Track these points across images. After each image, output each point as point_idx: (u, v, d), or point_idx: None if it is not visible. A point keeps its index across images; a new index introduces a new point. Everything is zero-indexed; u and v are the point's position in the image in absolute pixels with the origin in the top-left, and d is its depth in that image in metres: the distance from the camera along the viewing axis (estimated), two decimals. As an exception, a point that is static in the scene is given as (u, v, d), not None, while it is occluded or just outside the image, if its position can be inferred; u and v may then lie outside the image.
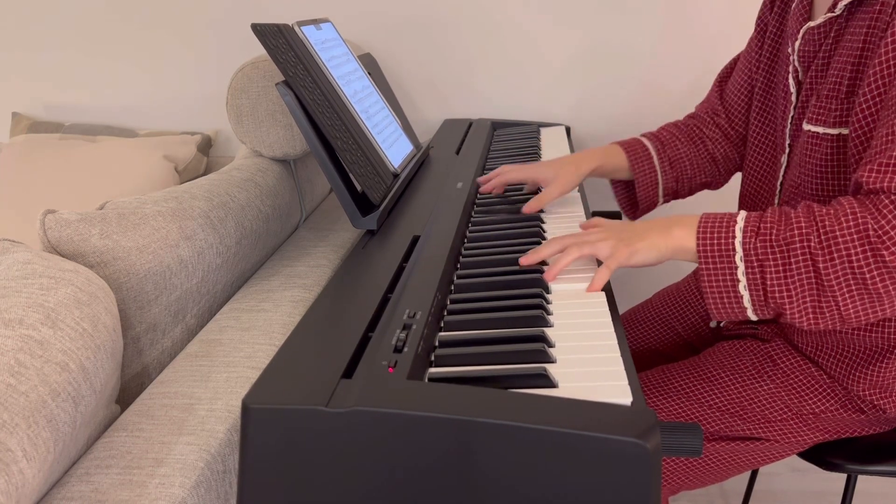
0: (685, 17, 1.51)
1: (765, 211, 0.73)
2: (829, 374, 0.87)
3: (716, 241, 0.71)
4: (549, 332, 0.66)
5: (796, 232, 0.68)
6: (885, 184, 0.67)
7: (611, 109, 1.60)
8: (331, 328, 0.66)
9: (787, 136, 0.90)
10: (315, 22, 1.05)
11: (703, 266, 0.72)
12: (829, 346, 0.86)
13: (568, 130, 1.54)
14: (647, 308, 1.17)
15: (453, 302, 0.75)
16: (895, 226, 0.65)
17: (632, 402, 0.54)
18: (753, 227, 0.70)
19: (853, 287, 0.66)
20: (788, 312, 0.69)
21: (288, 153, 1.10)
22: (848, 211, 0.68)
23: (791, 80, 0.88)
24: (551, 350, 0.63)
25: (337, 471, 0.53)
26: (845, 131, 0.78)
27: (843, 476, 1.51)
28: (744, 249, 0.70)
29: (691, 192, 1.11)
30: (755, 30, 1.01)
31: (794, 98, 0.88)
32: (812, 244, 0.67)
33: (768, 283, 0.69)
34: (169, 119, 1.77)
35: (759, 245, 0.69)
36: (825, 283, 0.67)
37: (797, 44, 0.86)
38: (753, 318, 0.72)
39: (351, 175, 0.95)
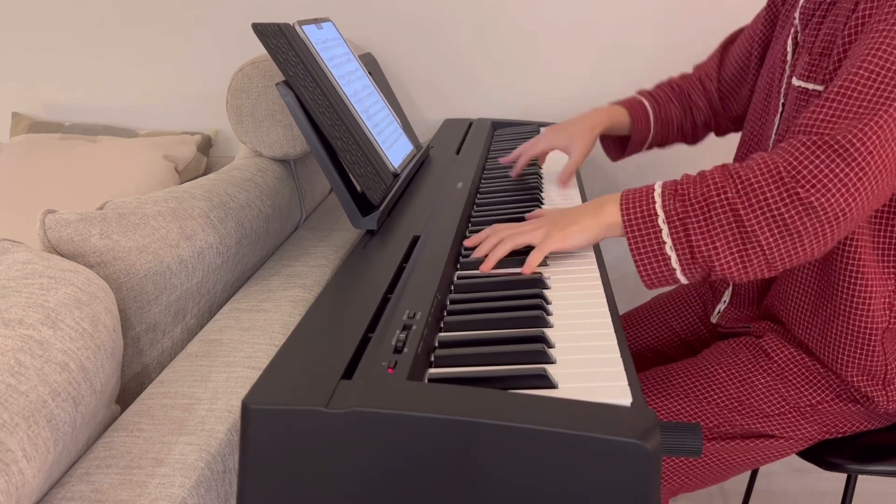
0: (688, 16, 1.51)
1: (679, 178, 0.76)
2: (821, 360, 0.87)
3: (638, 210, 0.74)
4: (548, 332, 0.66)
5: (712, 187, 0.72)
6: (812, 121, 0.71)
7: (611, 109, 1.60)
8: (331, 328, 0.66)
9: (782, 95, 0.92)
10: (316, 21, 1.05)
11: (630, 234, 0.74)
12: (817, 328, 0.87)
13: (568, 130, 1.54)
14: (646, 309, 1.17)
15: (453, 302, 0.75)
16: (806, 165, 0.68)
17: (632, 403, 0.54)
18: (671, 191, 0.74)
19: (774, 229, 0.69)
20: (717, 264, 0.71)
21: (288, 153, 1.10)
22: (759, 160, 0.71)
23: (790, 41, 0.91)
24: (551, 350, 0.63)
25: (336, 471, 0.53)
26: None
27: (843, 476, 1.51)
28: (665, 212, 0.73)
29: (670, 144, 1.22)
30: (765, 8, 1.04)
31: (789, 57, 0.91)
32: (730, 195, 0.70)
33: (693, 239, 0.71)
34: (169, 119, 1.77)
35: (678, 205, 0.72)
36: (748, 229, 0.69)
37: (801, 1, 0.89)
38: (683, 279, 0.74)
39: (351, 175, 0.95)
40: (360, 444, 0.52)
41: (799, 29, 0.90)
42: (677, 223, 0.72)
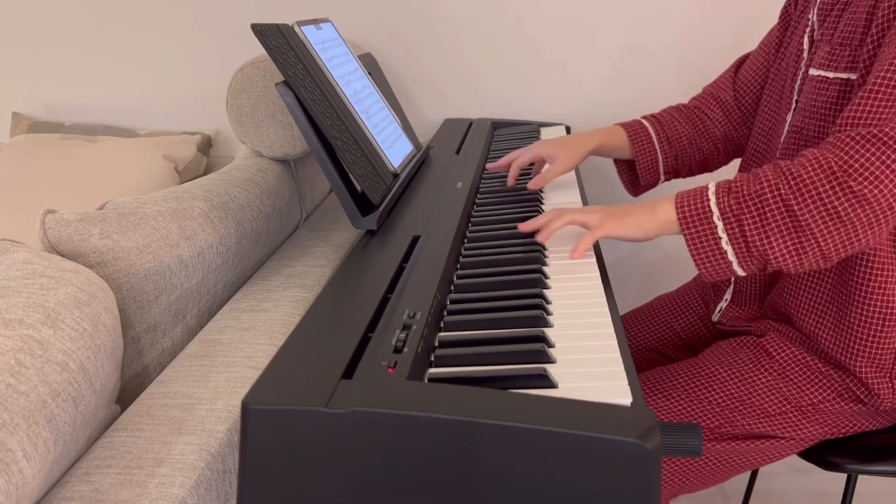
0: (689, 18, 1.51)
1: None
2: (828, 353, 0.87)
3: (693, 208, 0.76)
4: (548, 332, 0.66)
5: (765, 184, 0.73)
6: (858, 114, 0.72)
7: (611, 109, 1.60)
8: (331, 328, 0.66)
9: (796, 91, 0.92)
10: (315, 22, 1.05)
11: (686, 232, 0.76)
12: (830, 317, 0.87)
13: (568, 130, 1.54)
14: (647, 309, 1.17)
15: (453, 302, 0.75)
16: (857, 158, 0.69)
17: (632, 403, 0.54)
18: (724, 188, 0.76)
19: (828, 222, 0.71)
20: (772, 258, 0.73)
21: (288, 153, 1.10)
22: (810, 156, 0.73)
23: (805, 39, 0.92)
24: (551, 350, 0.63)
25: (336, 471, 0.53)
26: (853, 76, 0.81)
27: (843, 476, 1.51)
28: (719, 209, 0.75)
29: (691, 172, 1.16)
30: (779, 20, 1.04)
31: (805, 54, 0.91)
32: (783, 191, 0.72)
33: (748, 234, 0.73)
34: (169, 119, 1.77)
35: (732, 202, 0.74)
36: (802, 223, 0.71)
37: (818, 0, 0.90)
38: (740, 272, 0.76)
39: (351, 175, 0.95)
40: (359, 444, 0.52)
41: (816, 26, 0.90)
42: (732, 220, 0.74)
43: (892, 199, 0.69)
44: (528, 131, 1.49)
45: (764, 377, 0.89)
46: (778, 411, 0.88)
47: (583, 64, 1.57)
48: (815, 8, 0.90)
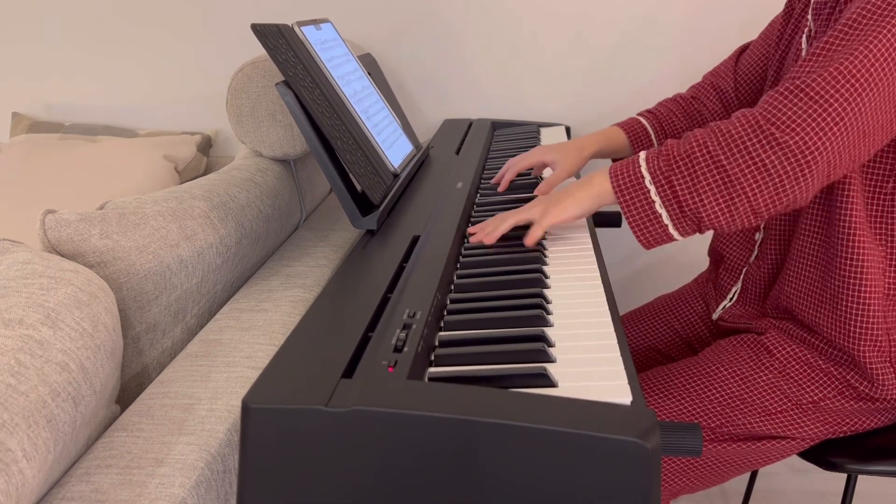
0: (689, 18, 1.51)
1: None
2: (832, 342, 0.87)
3: (626, 176, 0.78)
4: (548, 331, 0.66)
5: (694, 143, 0.75)
6: (792, 75, 0.74)
7: (611, 109, 1.61)
8: (331, 328, 0.66)
9: None
10: (315, 22, 1.05)
11: (620, 199, 0.78)
12: (826, 305, 0.87)
13: (568, 130, 1.54)
14: (648, 309, 1.17)
15: (453, 302, 0.75)
16: (781, 109, 0.71)
17: (631, 402, 0.54)
18: (655, 153, 0.78)
19: (756, 174, 0.72)
20: (705, 216, 0.74)
21: (288, 153, 1.10)
22: (738, 114, 0.75)
23: (804, 39, 0.93)
24: (551, 350, 0.63)
25: (337, 471, 0.53)
26: None
27: (843, 476, 1.51)
28: (650, 173, 0.76)
29: None
30: (783, 10, 1.04)
31: (804, 53, 0.92)
32: (711, 147, 0.73)
33: (679, 194, 0.74)
34: (169, 119, 1.78)
35: (662, 164, 0.76)
36: (731, 178, 0.72)
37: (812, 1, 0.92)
38: (676, 235, 0.77)
39: (351, 175, 0.95)
40: (360, 443, 0.52)
41: (812, 27, 0.91)
42: (663, 181, 0.75)
43: (813, 149, 0.70)
44: (527, 131, 1.49)
45: (764, 375, 0.89)
46: (779, 409, 0.88)
47: (583, 64, 1.57)
48: (811, 8, 0.91)
